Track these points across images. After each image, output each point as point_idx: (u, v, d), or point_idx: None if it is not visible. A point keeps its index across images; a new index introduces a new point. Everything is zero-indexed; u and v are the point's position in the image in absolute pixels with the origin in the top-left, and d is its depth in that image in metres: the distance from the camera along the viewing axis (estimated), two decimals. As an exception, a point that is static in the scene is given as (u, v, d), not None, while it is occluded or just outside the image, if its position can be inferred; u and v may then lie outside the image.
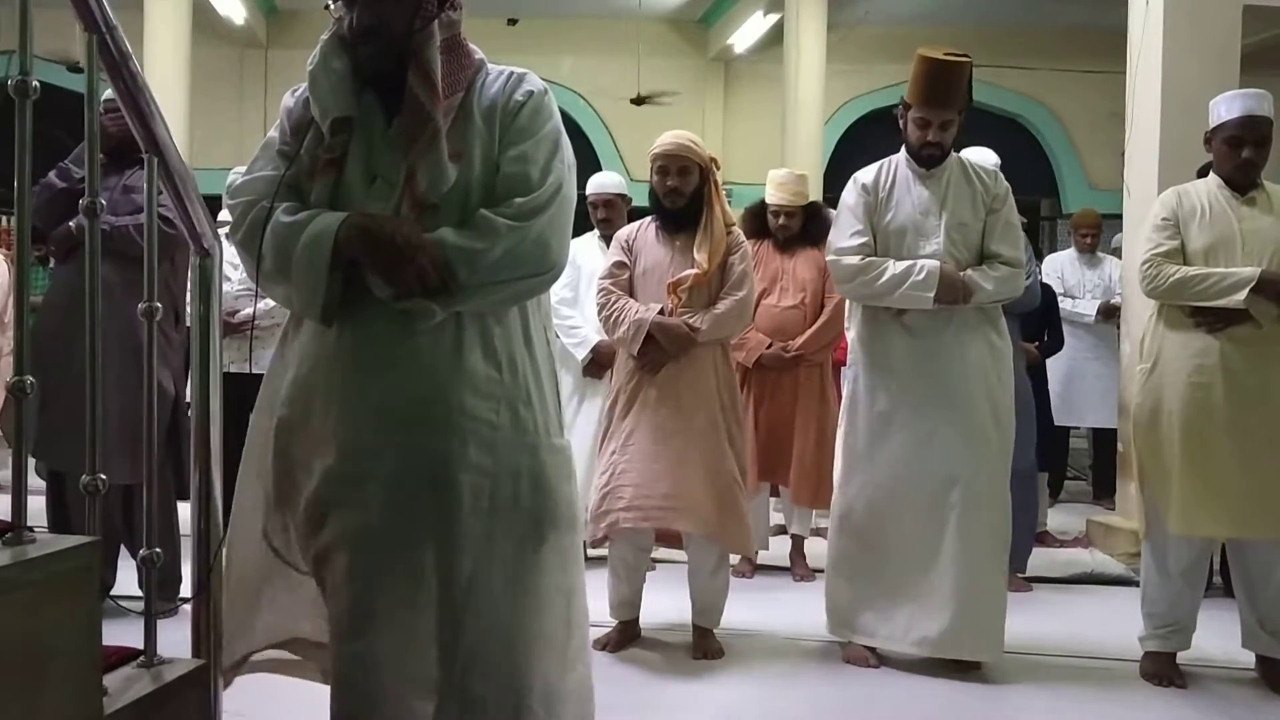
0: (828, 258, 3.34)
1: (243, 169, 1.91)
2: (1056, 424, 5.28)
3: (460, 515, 1.73)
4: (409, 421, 1.74)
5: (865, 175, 3.32)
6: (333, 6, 1.81)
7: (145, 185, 1.92)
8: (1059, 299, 5.27)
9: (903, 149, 3.29)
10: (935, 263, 3.13)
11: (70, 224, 3.30)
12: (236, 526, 1.93)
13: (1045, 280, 5.39)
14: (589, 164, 9.61)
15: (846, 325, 3.41)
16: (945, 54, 3.14)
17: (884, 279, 3.15)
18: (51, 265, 4.91)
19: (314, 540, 1.75)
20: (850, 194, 3.32)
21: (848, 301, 3.43)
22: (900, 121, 3.28)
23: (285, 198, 1.78)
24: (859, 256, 3.21)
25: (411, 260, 1.68)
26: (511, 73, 1.88)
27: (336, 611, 1.73)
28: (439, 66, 1.77)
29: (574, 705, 1.89)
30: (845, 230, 3.27)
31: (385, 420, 1.73)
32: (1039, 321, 4.83)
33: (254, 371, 3.93)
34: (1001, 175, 3.38)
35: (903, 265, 3.15)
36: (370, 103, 1.80)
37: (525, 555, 1.79)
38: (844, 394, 3.35)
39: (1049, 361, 4.96)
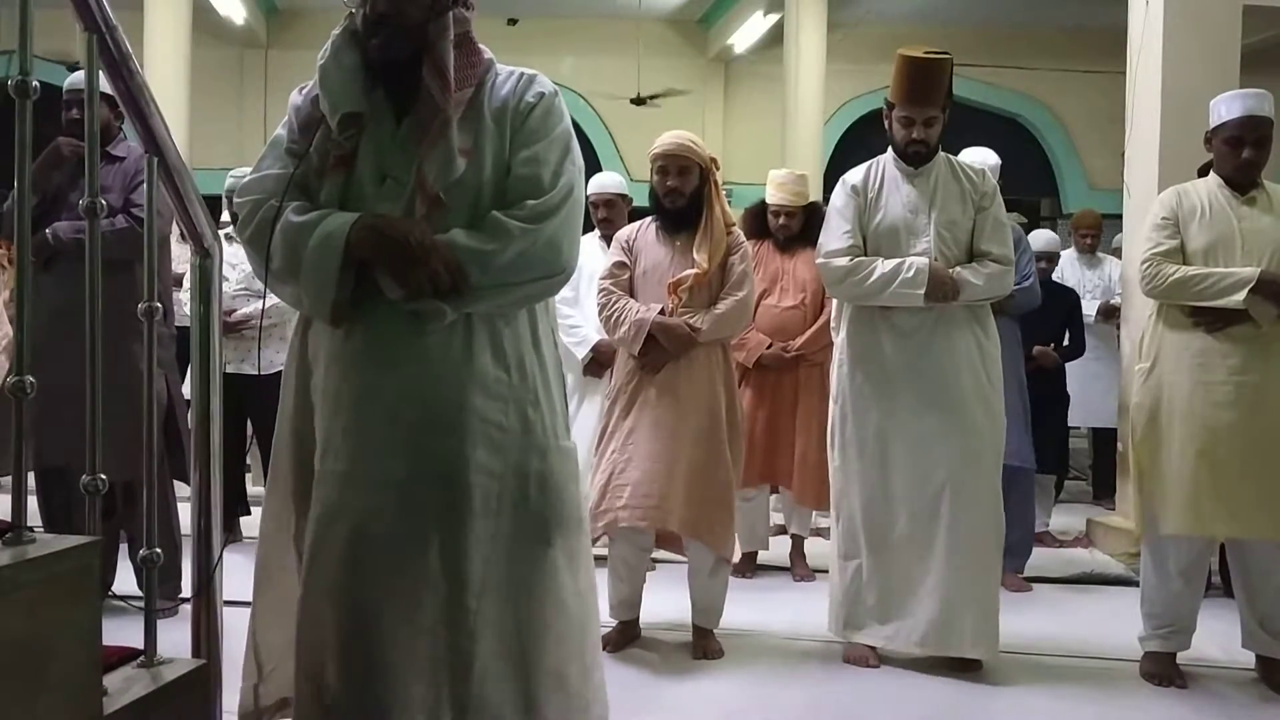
0: (817, 261, 3.34)
1: (242, 171, 1.90)
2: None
3: (470, 517, 1.73)
4: (418, 423, 1.73)
5: (853, 176, 3.32)
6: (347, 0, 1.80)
7: (145, 185, 1.92)
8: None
9: (889, 149, 3.30)
10: (924, 260, 3.13)
11: (47, 231, 3.33)
12: (267, 543, 1.92)
13: (1065, 283, 5.37)
14: (589, 164, 9.54)
15: (834, 326, 3.40)
16: (925, 52, 3.15)
17: (873, 279, 3.15)
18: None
19: (323, 543, 1.75)
20: (839, 196, 3.32)
21: (835, 302, 3.43)
22: (885, 122, 3.29)
23: (294, 196, 1.77)
24: (848, 258, 3.21)
25: (424, 261, 1.67)
26: (522, 74, 1.87)
27: (343, 614, 1.73)
28: (452, 60, 1.76)
29: (598, 708, 1.89)
30: (834, 232, 3.27)
31: (395, 422, 1.73)
32: (1060, 324, 4.80)
33: (246, 373, 3.95)
34: (989, 173, 3.38)
35: (891, 264, 3.15)
36: (381, 101, 1.79)
37: (534, 557, 1.79)
38: (832, 395, 3.33)
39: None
